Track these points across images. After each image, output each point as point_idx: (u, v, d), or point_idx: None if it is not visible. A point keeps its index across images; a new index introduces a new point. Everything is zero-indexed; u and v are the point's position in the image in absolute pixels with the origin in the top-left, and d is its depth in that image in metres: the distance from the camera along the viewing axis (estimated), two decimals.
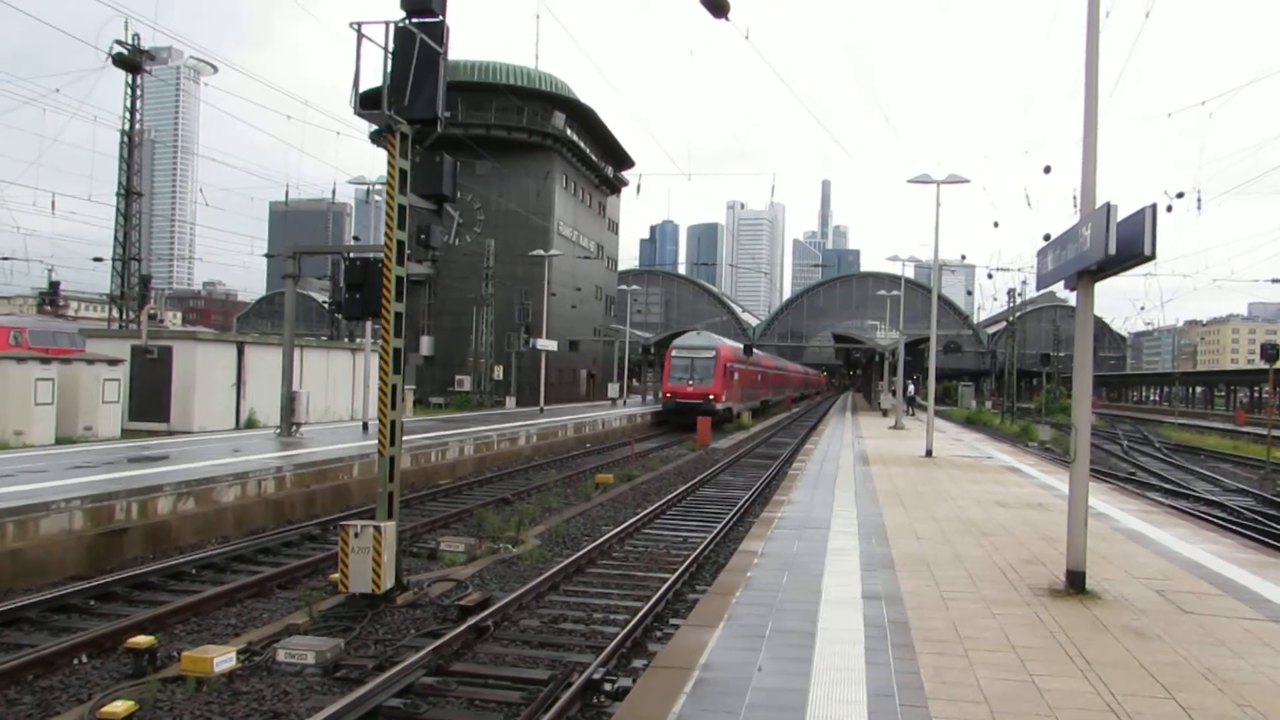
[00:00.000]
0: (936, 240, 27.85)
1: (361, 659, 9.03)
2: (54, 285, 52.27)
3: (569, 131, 61.29)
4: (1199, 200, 32.85)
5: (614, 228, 78.99)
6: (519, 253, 53.18)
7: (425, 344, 55.34)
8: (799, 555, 10.64)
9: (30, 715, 7.51)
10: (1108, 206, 8.13)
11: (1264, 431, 41.42)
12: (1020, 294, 64.47)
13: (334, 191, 58.39)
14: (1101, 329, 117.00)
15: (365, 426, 27.12)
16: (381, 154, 11.68)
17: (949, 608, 8.33)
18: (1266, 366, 36.29)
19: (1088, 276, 9.19)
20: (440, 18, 11.50)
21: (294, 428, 23.63)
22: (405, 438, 23.26)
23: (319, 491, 17.77)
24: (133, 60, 32.89)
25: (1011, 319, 70.52)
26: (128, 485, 13.93)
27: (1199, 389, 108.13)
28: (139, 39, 34.32)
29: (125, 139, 36.27)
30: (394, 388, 11.44)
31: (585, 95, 62.15)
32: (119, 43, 32.85)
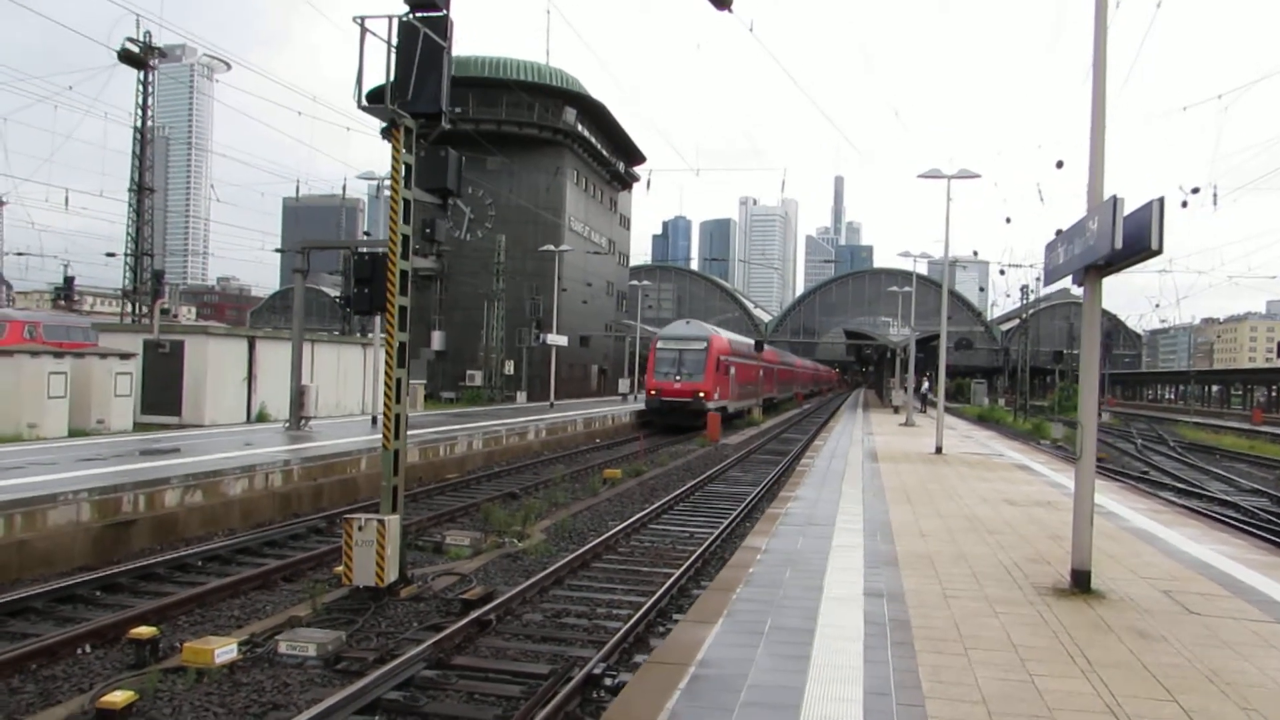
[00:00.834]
0: (947, 236, 27.73)
1: (363, 651, 9.03)
2: (69, 280, 52.50)
3: (580, 127, 61.25)
4: (1215, 195, 32.62)
5: (625, 223, 78.92)
6: (530, 248, 53.20)
7: (436, 339, 55.42)
8: (802, 552, 10.60)
9: (32, 704, 7.54)
10: (1114, 200, 8.05)
11: None
12: (1033, 290, 64.07)
13: (344, 187, 58.59)
14: (1116, 326, 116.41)
15: (375, 420, 27.16)
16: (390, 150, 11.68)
17: (951, 606, 8.28)
18: None
19: (1095, 271, 9.11)
20: (444, 12, 11.48)
21: (303, 422, 23.69)
22: (414, 432, 23.32)
23: (326, 485, 17.81)
24: (139, 57, 32.99)
25: (1025, 315, 70.14)
26: (136, 478, 13.97)
27: (1215, 388, 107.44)
28: (150, 36, 34.45)
29: (137, 135, 36.42)
30: (398, 381, 11.44)
31: (594, 91, 62.10)
32: (129, 40, 32.97)
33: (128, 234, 37.46)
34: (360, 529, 10.77)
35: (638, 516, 16.71)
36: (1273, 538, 16.52)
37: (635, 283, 78.24)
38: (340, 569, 11.11)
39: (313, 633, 9.21)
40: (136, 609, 10.01)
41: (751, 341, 57.78)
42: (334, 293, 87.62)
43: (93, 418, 22.66)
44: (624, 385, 58.77)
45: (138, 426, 23.86)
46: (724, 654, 6.72)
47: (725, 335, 46.74)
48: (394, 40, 11.31)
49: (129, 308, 38.61)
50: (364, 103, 11.67)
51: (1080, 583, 9.09)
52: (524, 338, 49.16)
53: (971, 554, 10.83)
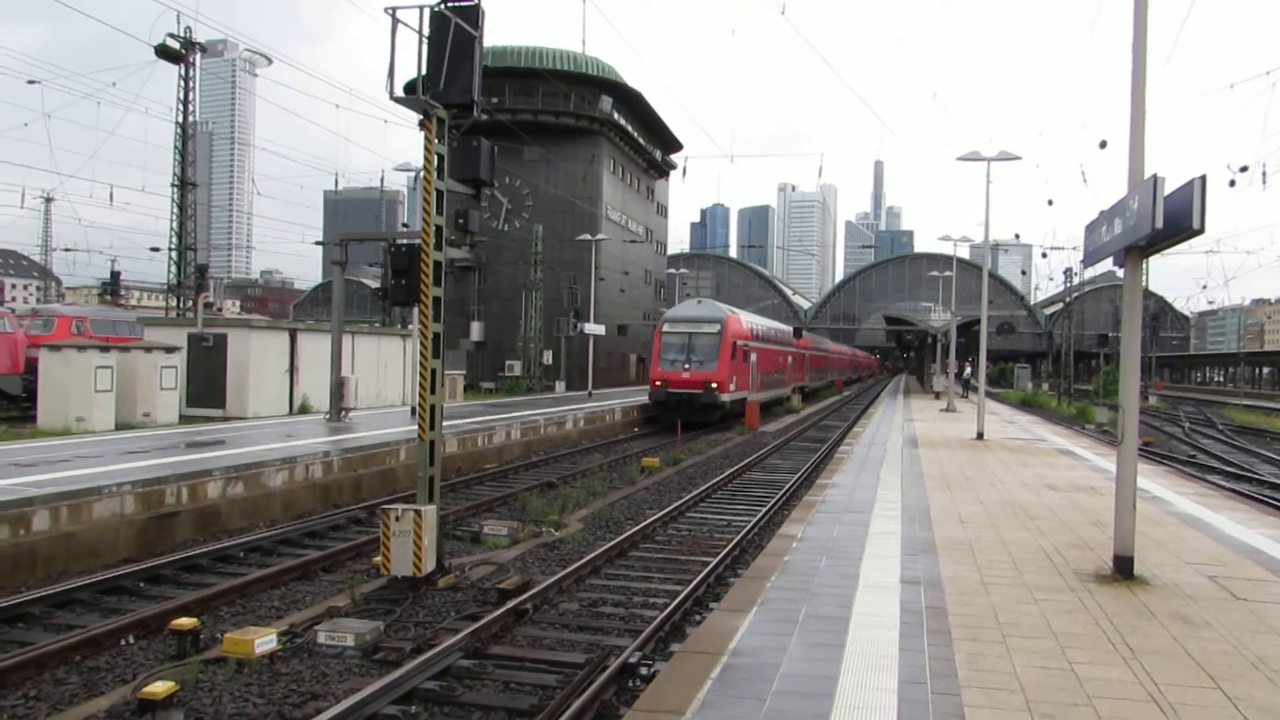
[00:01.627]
0: (987, 219, 27.35)
1: (400, 641, 9.09)
2: (115, 275, 53.38)
3: (616, 115, 61.15)
4: (1264, 174, 31.90)
5: (662, 211, 78.75)
6: (567, 237, 53.24)
7: (475, 329, 55.71)
8: (839, 539, 10.51)
9: (76, 695, 7.67)
10: (1154, 179, 7.87)
11: None
12: (1077, 273, 63.09)
13: (382, 179, 59.02)
14: (1163, 308, 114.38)
15: (414, 411, 27.31)
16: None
17: (989, 593, 8.17)
18: None
19: (1136, 252, 8.92)
20: (475, 1, 11.46)
21: (344, 413, 23.91)
22: (453, 422, 23.45)
23: (366, 475, 17.97)
24: (178, 52, 33.37)
25: (1068, 299, 69.14)
26: (180, 470, 14.18)
27: (1266, 369, 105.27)
28: (190, 32, 34.85)
29: (179, 131, 36.90)
30: (433, 372, 11.48)
31: (630, 78, 62.01)
32: (170, 35, 33.38)
33: (171, 229, 38.01)
34: (398, 519, 10.84)
35: (675, 505, 16.69)
36: None
37: (673, 271, 78.14)
38: (378, 559, 11.19)
39: (351, 623, 9.29)
40: (178, 600, 10.16)
41: (778, 324, 52.49)
42: (374, 284, 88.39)
43: (139, 411, 23.02)
44: None
45: (183, 419, 24.21)
46: (757, 643, 6.67)
47: (744, 316, 40.96)
48: (425, 31, 11.32)
49: (173, 302, 39.19)
50: (397, 94, 11.69)
51: (1123, 569, 8.93)
52: (562, 327, 49.21)
53: (1011, 540, 10.68)
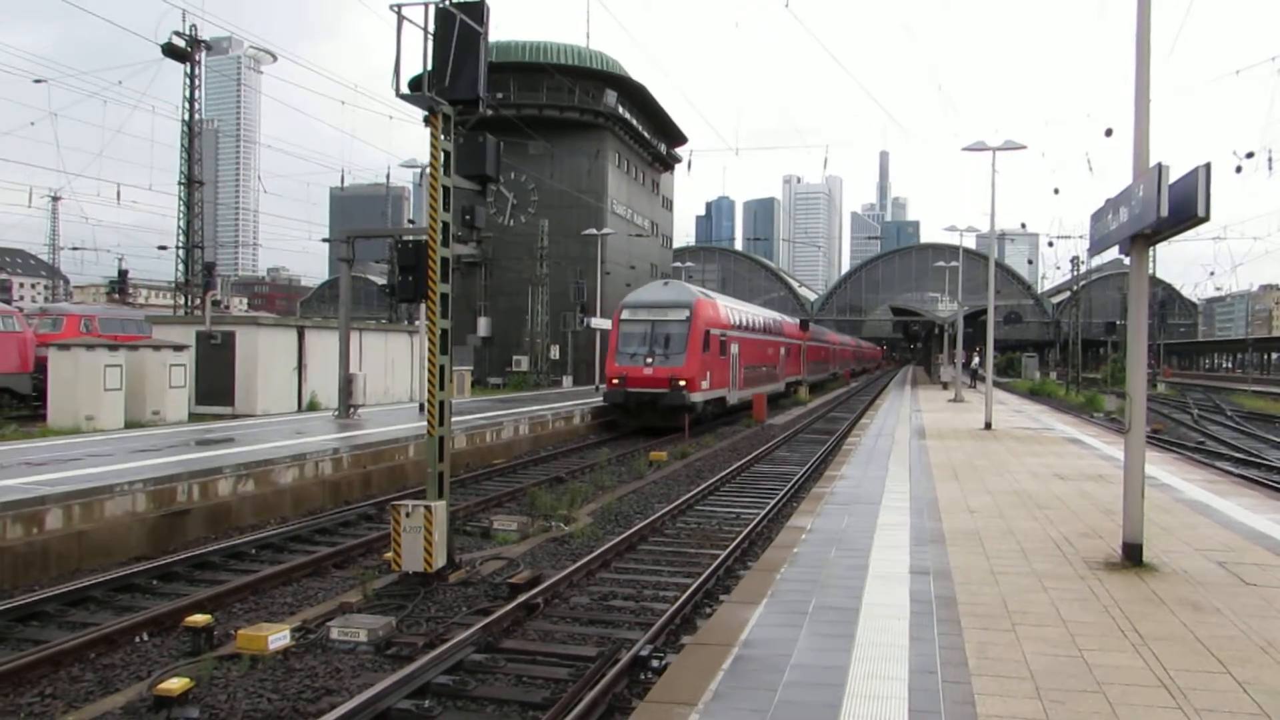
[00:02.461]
0: (993, 209, 27.29)
1: (413, 636, 9.15)
2: (122, 274, 53.58)
3: (620, 109, 61.11)
4: (1270, 159, 31.79)
5: (668, 205, 78.71)
6: (573, 232, 53.26)
7: (482, 325, 55.77)
8: (847, 530, 10.54)
9: (92, 692, 7.74)
10: (1159, 167, 7.87)
11: None
12: (1084, 262, 62.94)
13: (388, 175, 59.07)
14: (1171, 295, 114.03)
15: (422, 408, 27.41)
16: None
17: (999, 582, 8.19)
18: None
19: (1142, 240, 8.93)
20: None
21: (352, 410, 23.99)
22: (461, 418, 23.52)
23: (375, 472, 18.03)
24: (183, 50, 33.42)
25: (1075, 287, 69.00)
26: (190, 468, 14.25)
27: (1275, 355, 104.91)
28: (195, 30, 34.90)
29: (185, 129, 36.98)
30: (442, 368, 11.52)
31: (635, 72, 62.00)
32: (175, 33, 33.43)
33: (178, 227, 38.11)
34: (408, 515, 10.90)
35: (684, 498, 16.73)
36: None
37: (679, 264, 78.15)
38: (389, 555, 11.25)
39: (363, 618, 9.35)
40: (192, 597, 10.24)
41: (768, 312, 48.07)
42: (380, 281, 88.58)
43: (148, 409, 23.13)
44: None
45: (192, 417, 24.32)
46: (768, 634, 6.71)
47: (723, 301, 36.05)
48: (431, 27, 11.35)
49: (181, 300, 39.31)
50: (403, 91, 11.71)
51: (1132, 556, 8.95)
52: (568, 322, 49.24)
53: (1020, 529, 10.70)
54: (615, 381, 29.24)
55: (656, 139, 69.85)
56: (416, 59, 11.57)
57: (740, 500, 17.41)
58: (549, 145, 54.69)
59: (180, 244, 38.34)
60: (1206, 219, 7.72)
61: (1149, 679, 5.78)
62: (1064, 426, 27.04)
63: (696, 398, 29.15)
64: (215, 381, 26.18)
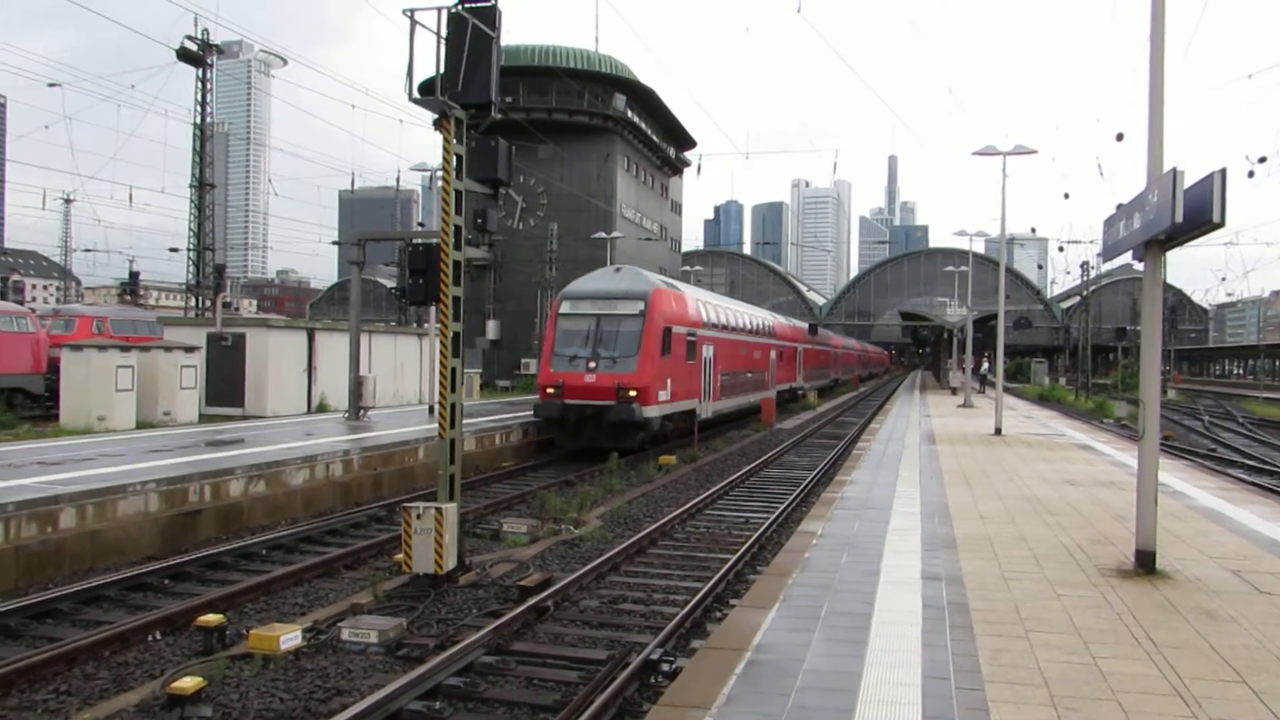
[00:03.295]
0: (1003, 213, 27.25)
1: (423, 638, 9.16)
2: (134, 276, 53.85)
3: (629, 113, 61.16)
4: None
5: (677, 209, 78.71)
6: (582, 235, 53.29)
7: (491, 328, 55.85)
8: (858, 536, 10.53)
9: (106, 690, 7.77)
10: (1174, 172, 7.85)
11: None
12: (1094, 267, 62.78)
13: (398, 179, 59.16)
14: (1181, 301, 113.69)
15: (431, 410, 27.47)
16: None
17: (1011, 589, 8.17)
18: None
19: (1155, 246, 8.91)
20: (492, 2, 11.53)
21: (362, 412, 24.04)
22: (471, 421, 23.54)
23: (385, 474, 18.07)
24: (197, 55, 33.58)
25: (1085, 292, 68.81)
26: (202, 469, 14.30)
27: None
28: (208, 34, 35.06)
29: (197, 132, 37.15)
30: (453, 371, 11.55)
31: (644, 76, 62.12)
32: (188, 38, 33.59)
33: (190, 229, 38.28)
34: (419, 517, 10.92)
35: (693, 502, 16.72)
36: None
37: (687, 268, 78.17)
38: (400, 556, 11.28)
39: (374, 619, 9.37)
40: (204, 597, 10.27)
41: (753, 310, 42.60)
42: (390, 284, 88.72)
43: (159, 410, 23.21)
44: None
45: (203, 418, 24.40)
46: (780, 639, 6.71)
47: (691, 294, 29.50)
48: (443, 32, 11.39)
49: (192, 301, 39.47)
50: (415, 95, 11.75)
51: (1145, 563, 8.92)
52: None
53: (1032, 536, 10.68)
54: (550, 391, 23.08)
55: (665, 143, 69.88)
56: (429, 63, 11.63)
57: (750, 505, 17.39)
58: (558, 149, 54.74)
59: (191, 246, 38.51)
60: (1222, 224, 7.71)
61: (1164, 687, 5.76)
62: (1074, 432, 26.96)
63: (652, 411, 23.22)
64: (226, 383, 26.27)
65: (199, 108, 36.60)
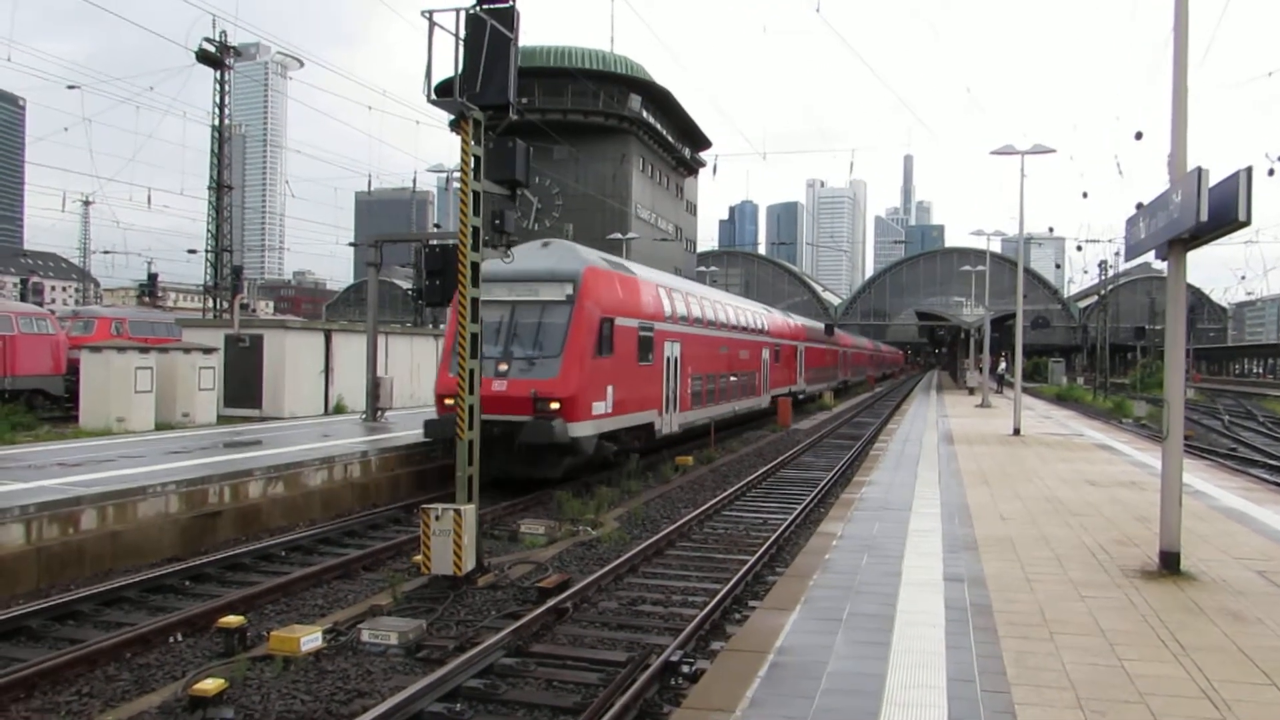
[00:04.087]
0: (1021, 213, 27.11)
1: (443, 639, 9.17)
2: (152, 277, 54.13)
3: (645, 114, 61.22)
4: None
5: (692, 209, 78.72)
6: (597, 236, 53.29)
7: None
8: (879, 537, 10.48)
9: (128, 692, 7.80)
10: (1199, 171, 7.78)
11: None
12: (1112, 266, 62.41)
13: (415, 180, 59.36)
14: (1200, 300, 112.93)
15: None
16: (459, 142, 11.76)
17: (1034, 590, 8.11)
18: None
19: (1179, 245, 8.83)
20: (510, 3, 11.54)
21: (379, 413, 24.09)
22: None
23: (403, 475, 18.09)
24: (216, 57, 33.74)
25: (1103, 292, 68.43)
26: (221, 470, 14.35)
27: None
28: (225, 36, 35.23)
29: (215, 134, 37.34)
30: (471, 372, 11.56)
31: (660, 77, 62.10)
32: (206, 40, 33.76)
33: (208, 231, 38.48)
34: (437, 518, 10.93)
35: (711, 503, 16.68)
36: None
37: (702, 269, 78.09)
38: (419, 558, 11.28)
39: (394, 621, 9.38)
40: (224, 598, 10.30)
41: (732, 299, 35.35)
42: (406, 285, 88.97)
43: (178, 411, 23.33)
44: None
45: (221, 419, 24.49)
46: (803, 641, 6.67)
47: (645, 276, 22.97)
48: (461, 33, 11.40)
49: (210, 303, 39.66)
50: (433, 96, 11.77)
51: (1169, 564, 8.84)
52: None
53: (1054, 537, 10.60)
54: (448, 403, 16.75)
55: (681, 143, 69.90)
56: (447, 64, 11.63)
57: (767, 506, 17.34)
58: (573, 149, 54.83)
59: (209, 248, 38.70)
60: (1247, 223, 7.64)
61: (1192, 690, 5.70)
62: (1093, 432, 26.79)
63: (582, 429, 17.58)
64: (243, 384, 26.37)
65: (217, 110, 36.78)
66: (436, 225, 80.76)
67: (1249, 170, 7.64)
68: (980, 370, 44.11)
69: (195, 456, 16.00)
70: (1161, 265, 9.38)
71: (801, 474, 21.71)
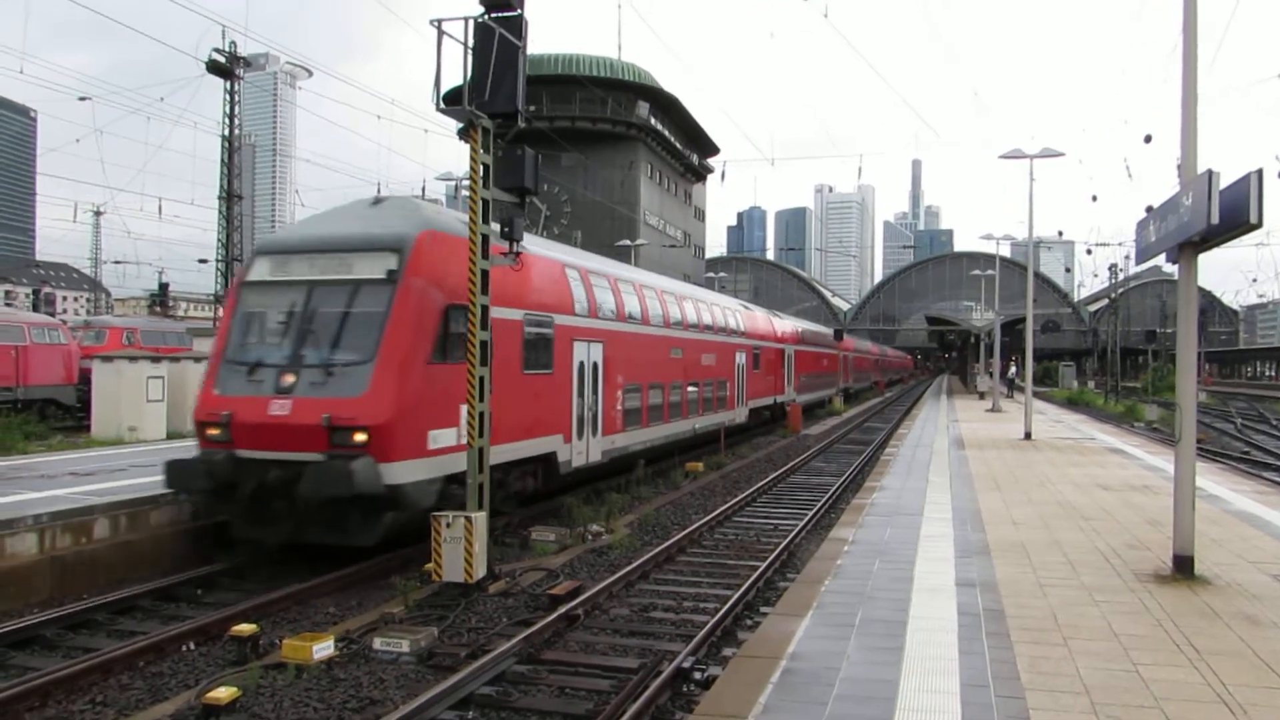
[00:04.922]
0: (1031, 217, 27.08)
1: (455, 647, 9.16)
2: (163, 287, 54.29)
3: (653, 120, 61.34)
4: None
5: (700, 215, 78.79)
6: (605, 243, 53.33)
7: None
8: (890, 542, 10.45)
9: (141, 700, 7.82)
10: (1210, 173, 7.77)
11: None
12: (1122, 269, 62.22)
13: (423, 189, 59.42)
14: (1211, 303, 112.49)
15: None
16: (468, 150, 11.80)
17: (1047, 595, 8.08)
18: None
19: (1190, 248, 8.81)
20: (519, 12, 11.58)
21: None
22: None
23: None
24: (225, 67, 33.88)
25: (1113, 295, 68.19)
26: None
27: None
28: (235, 46, 35.37)
29: (225, 144, 37.50)
30: (481, 380, 11.57)
31: (667, 83, 62.23)
32: (216, 50, 33.92)
33: (218, 240, 38.57)
34: (448, 525, 10.94)
35: (721, 510, 16.66)
36: None
37: (711, 275, 78.09)
38: (430, 565, 11.29)
39: (405, 629, 9.38)
40: (236, 607, 10.31)
41: (677, 286, 26.65)
42: None
43: (189, 420, 23.39)
44: None
45: None
46: (815, 647, 6.66)
47: (541, 251, 16.84)
48: (470, 42, 11.44)
49: (220, 312, 39.80)
50: (442, 105, 11.80)
51: (1183, 568, 8.80)
52: None
53: (1066, 541, 10.56)
54: (212, 434, 12.21)
55: (689, 150, 70.01)
56: (455, 73, 11.68)
57: (778, 511, 17.32)
58: (582, 156, 54.94)
59: (220, 257, 38.82)
60: (1259, 225, 7.62)
61: (1208, 695, 5.67)
62: (1105, 436, 26.69)
63: (407, 471, 11.94)
64: None
65: (227, 120, 36.93)
66: None
67: (1260, 172, 7.63)
68: (991, 375, 43.98)
69: None
70: (1172, 268, 9.35)
71: (812, 479, 21.68)
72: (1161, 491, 14.37)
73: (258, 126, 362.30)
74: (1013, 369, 53.89)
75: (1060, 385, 75.40)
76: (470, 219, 11.65)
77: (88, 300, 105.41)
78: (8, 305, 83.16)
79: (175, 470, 12.07)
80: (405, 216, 13.26)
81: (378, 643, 9.05)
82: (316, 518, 11.60)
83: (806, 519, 15.55)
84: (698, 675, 8.04)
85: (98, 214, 71.63)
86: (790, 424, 35.11)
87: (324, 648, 8.64)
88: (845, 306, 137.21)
